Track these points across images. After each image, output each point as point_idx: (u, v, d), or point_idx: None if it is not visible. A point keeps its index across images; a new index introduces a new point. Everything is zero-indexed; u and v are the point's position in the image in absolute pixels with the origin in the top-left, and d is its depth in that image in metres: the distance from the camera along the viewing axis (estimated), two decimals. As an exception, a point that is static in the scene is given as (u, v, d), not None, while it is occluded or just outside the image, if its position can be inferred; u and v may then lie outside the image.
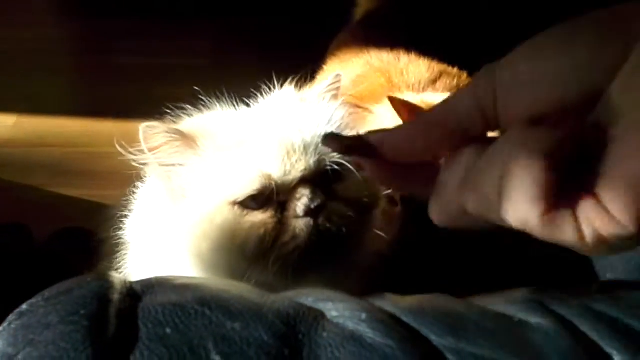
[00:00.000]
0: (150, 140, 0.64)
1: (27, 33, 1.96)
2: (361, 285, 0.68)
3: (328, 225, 0.62)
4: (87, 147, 1.53)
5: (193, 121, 0.70)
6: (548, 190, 0.34)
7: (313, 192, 0.62)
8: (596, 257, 0.67)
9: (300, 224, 0.62)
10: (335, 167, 0.64)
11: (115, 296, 0.42)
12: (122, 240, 0.75)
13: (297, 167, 0.62)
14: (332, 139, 0.46)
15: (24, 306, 0.42)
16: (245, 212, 0.63)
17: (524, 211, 0.34)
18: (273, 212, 0.63)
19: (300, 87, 0.73)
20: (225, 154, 0.64)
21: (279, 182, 0.62)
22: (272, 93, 0.72)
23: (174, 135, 0.65)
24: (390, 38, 1.11)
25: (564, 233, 0.34)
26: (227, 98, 0.71)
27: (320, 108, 0.68)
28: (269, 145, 0.63)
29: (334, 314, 0.43)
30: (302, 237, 0.62)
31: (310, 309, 0.44)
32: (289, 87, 0.72)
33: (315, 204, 0.62)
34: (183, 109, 0.71)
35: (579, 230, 0.34)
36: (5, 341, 0.39)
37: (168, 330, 0.39)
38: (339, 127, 0.68)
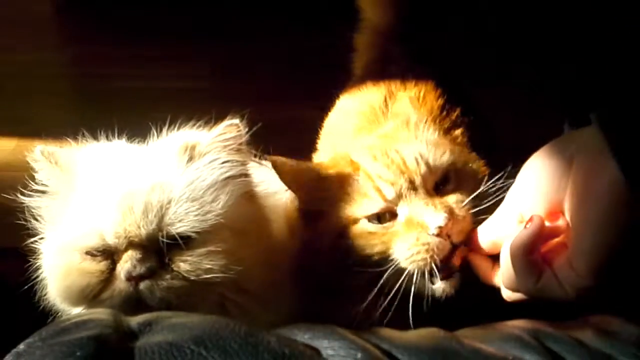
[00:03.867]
0: (38, 164, 0.69)
1: (28, 57, 1.97)
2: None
3: (150, 294, 0.62)
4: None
5: (76, 151, 0.72)
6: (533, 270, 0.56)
7: (140, 260, 0.62)
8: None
9: (120, 286, 0.63)
10: (176, 238, 0.62)
11: (112, 336, 0.42)
12: None
13: (130, 231, 0.62)
14: None
15: (21, 346, 0.42)
16: (83, 258, 0.64)
17: (524, 286, 0.57)
18: (106, 267, 0.64)
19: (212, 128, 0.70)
20: (80, 199, 0.65)
21: (110, 243, 0.62)
22: (168, 134, 0.72)
23: (52, 163, 0.68)
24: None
25: (553, 291, 0.54)
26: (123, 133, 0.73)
27: (204, 161, 0.67)
28: (112, 203, 0.63)
29: (330, 352, 0.43)
30: (118, 300, 0.62)
31: (305, 346, 0.44)
32: (186, 131, 0.72)
33: (138, 272, 0.61)
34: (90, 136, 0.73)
35: (561, 287, 0.54)
36: (2, 383, 0.39)
37: (164, 372, 0.39)
38: (223, 179, 0.67)
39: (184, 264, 0.63)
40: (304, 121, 1.14)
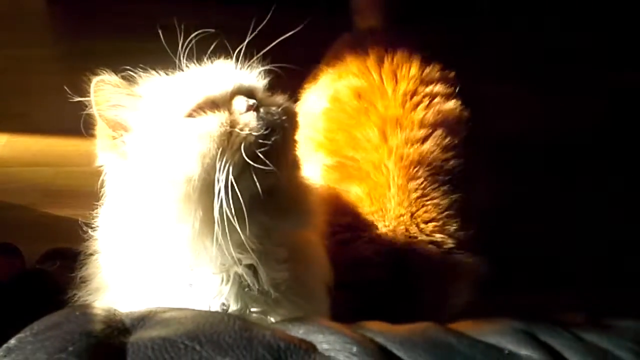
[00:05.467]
0: (100, 93, 0.69)
1: (19, 52, 1.96)
2: None
3: (271, 116, 0.69)
4: (79, 166, 1.53)
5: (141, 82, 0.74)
6: None
7: (247, 97, 0.70)
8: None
9: (246, 117, 0.68)
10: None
11: (104, 331, 0.42)
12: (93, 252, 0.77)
13: (230, 83, 0.71)
14: None
15: (12, 341, 0.42)
16: (197, 118, 0.68)
17: None
18: (220, 114, 0.68)
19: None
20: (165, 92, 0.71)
21: (218, 94, 0.69)
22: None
23: (123, 89, 0.70)
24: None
25: None
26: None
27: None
28: (206, 78, 0.72)
29: (325, 346, 0.43)
30: (253, 124, 0.67)
31: (300, 341, 0.44)
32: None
33: (253, 101, 0.69)
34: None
35: None
36: (-8, 379, 0.39)
37: (158, 367, 0.39)
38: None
39: (270, 100, 0.73)
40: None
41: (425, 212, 0.92)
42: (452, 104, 1.03)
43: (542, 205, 1.49)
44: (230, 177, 0.64)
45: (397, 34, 1.14)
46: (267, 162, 0.65)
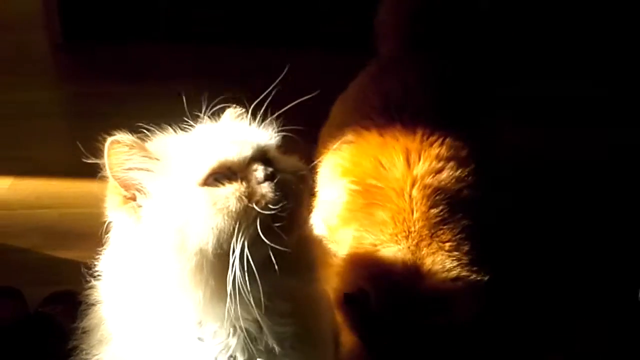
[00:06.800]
0: (114, 155, 0.68)
1: (24, 95, 1.98)
2: None
3: (286, 184, 0.69)
4: (83, 208, 1.52)
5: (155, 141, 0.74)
6: None
7: (264, 164, 0.70)
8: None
9: (264, 187, 0.68)
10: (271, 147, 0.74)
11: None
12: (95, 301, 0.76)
13: (247, 148, 0.70)
14: None
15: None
16: (213, 188, 0.67)
17: None
18: (239, 183, 0.68)
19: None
20: (181, 158, 0.70)
21: (234, 160, 0.69)
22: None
23: (138, 150, 0.69)
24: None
25: None
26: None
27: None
28: (221, 139, 0.71)
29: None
30: (270, 196, 0.68)
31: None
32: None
33: (270, 170, 0.69)
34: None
35: None
36: None
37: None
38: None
39: (285, 164, 0.73)
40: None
41: (443, 234, 1.03)
42: (461, 143, 1.15)
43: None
44: (246, 250, 0.64)
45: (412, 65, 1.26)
46: (281, 233, 0.67)
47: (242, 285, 0.64)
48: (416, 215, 1.04)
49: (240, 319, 0.68)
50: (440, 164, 1.10)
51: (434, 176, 1.08)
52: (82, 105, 1.97)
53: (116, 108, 1.85)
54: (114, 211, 0.71)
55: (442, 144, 1.12)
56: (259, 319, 0.69)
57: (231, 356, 0.70)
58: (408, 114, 1.15)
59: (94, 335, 0.77)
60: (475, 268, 1.01)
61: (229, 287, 0.64)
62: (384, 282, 0.98)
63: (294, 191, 0.70)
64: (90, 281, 0.76)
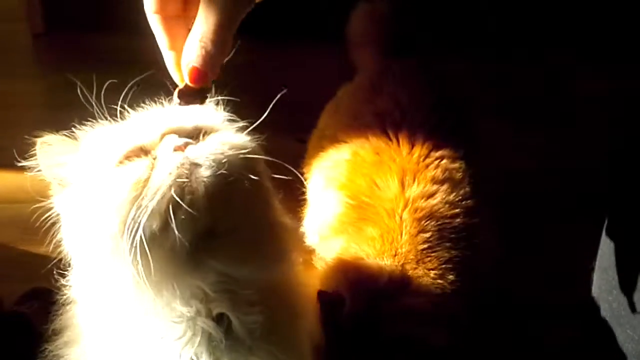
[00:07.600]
0: (43, 155, 0.68)
1: (4, 86, 1.94)
2: None
3: (201, 155, 0.60)
4: (60, 202, 1.48)
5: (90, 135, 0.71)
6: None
7: (178, 134, 0.63)
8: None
9: (168, 165, 0.60)
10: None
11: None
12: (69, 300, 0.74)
13: (161, 127, 0.65)
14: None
15: None
16: (119, 168, 0.63)
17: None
18: (145, 159, 0.62)
19: None
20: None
21: (147, 140, 0.64)
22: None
23: (65, 148, 0.69)
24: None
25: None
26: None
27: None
28: (140, 121, 0.68)
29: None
30: (172, 166, 0.60)
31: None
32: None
33: (183, 141, 0.61)
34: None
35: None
36: None
37: None
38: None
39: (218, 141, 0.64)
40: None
41: (430, 261, 1.02)
42: (457, 164, 1.14)
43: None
44: (140, 231, 0.57)
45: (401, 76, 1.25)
46: (189, 208, 0.58)
47: (176, 271, 0.60)
48: (405, 238, 1.03)
49: (199, 316, 0.64)
50: (434, 188, 1.09)
51: (426, 200, 1.07)
52: (63, 95, 1.93)
53: (97, 98, 1.81)
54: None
55: (437, 167, 1.11)
56: (226, 308, 0.65)
57: (195, 353, 0.65)
58: (404, 134, 1.14)
59: (62, 337, 0.74)
60: (458, 300, 1.00)
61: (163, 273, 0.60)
62: (364, 290, 0.97)
63: (217, 161, 0.60)
64: (59, 280, 0.73)
